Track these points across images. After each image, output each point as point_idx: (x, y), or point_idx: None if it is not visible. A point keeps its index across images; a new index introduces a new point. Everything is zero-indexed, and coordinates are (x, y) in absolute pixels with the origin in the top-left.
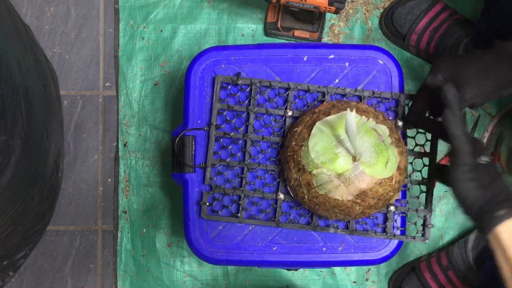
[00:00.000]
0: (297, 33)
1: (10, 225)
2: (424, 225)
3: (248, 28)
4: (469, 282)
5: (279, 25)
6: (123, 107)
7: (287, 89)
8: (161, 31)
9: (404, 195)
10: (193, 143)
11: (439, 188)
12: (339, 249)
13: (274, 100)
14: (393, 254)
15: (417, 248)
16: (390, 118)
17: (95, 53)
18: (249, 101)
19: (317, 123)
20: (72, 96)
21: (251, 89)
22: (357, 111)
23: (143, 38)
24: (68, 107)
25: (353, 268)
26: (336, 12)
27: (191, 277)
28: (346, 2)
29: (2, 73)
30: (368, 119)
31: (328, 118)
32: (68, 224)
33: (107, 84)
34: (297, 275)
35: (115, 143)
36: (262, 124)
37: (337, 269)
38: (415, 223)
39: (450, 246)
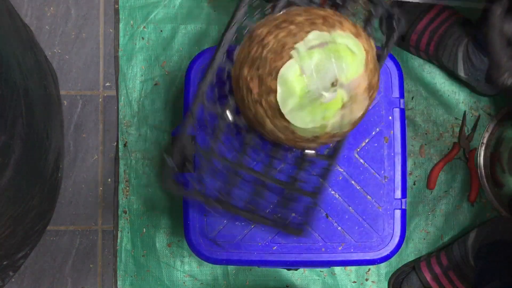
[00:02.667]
0: None
1: (10, 225)
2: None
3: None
4: (469, 281)
5: None
6: (123, 107)
7: None
8: (161, 31)
9: (404, 194)
10: (193, 143)
11: (439, 188)
12: (339, 248)
13: None
14: (393, 254)
15: (417, 248)
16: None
17: (95, 53)
18: None
19: (278, 98)
20: (72, 96)
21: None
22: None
23: (143, 38)
24: (68, 107)
25: (353, 268)
26: None
27: (191, 277)
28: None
29: (2, 73)
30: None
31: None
32: (68, 224)
33: (107, 84)
34: (297, 275)
35: (115, 143)
36: None
37: (337, 269)
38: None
39: (450, 245)
